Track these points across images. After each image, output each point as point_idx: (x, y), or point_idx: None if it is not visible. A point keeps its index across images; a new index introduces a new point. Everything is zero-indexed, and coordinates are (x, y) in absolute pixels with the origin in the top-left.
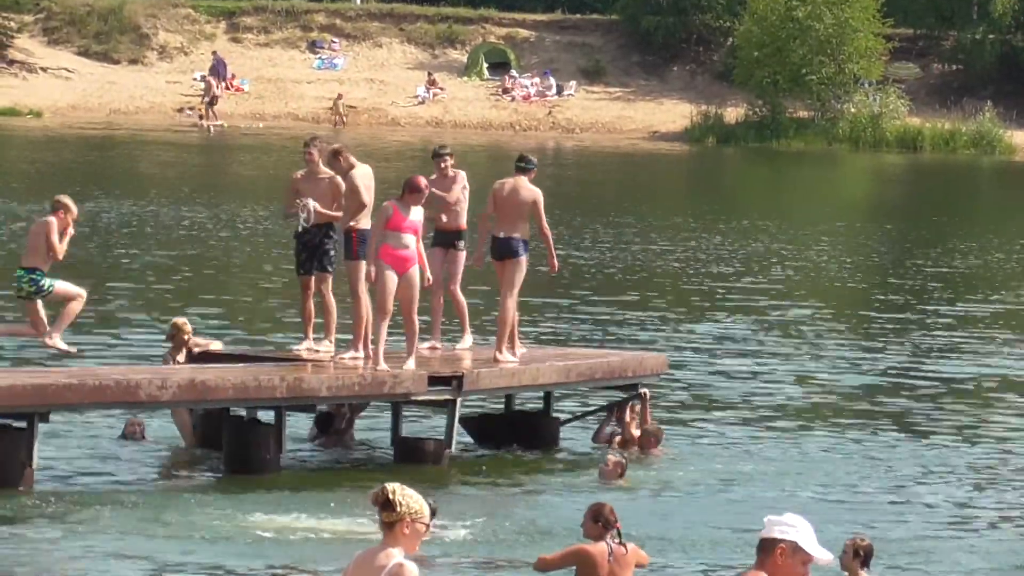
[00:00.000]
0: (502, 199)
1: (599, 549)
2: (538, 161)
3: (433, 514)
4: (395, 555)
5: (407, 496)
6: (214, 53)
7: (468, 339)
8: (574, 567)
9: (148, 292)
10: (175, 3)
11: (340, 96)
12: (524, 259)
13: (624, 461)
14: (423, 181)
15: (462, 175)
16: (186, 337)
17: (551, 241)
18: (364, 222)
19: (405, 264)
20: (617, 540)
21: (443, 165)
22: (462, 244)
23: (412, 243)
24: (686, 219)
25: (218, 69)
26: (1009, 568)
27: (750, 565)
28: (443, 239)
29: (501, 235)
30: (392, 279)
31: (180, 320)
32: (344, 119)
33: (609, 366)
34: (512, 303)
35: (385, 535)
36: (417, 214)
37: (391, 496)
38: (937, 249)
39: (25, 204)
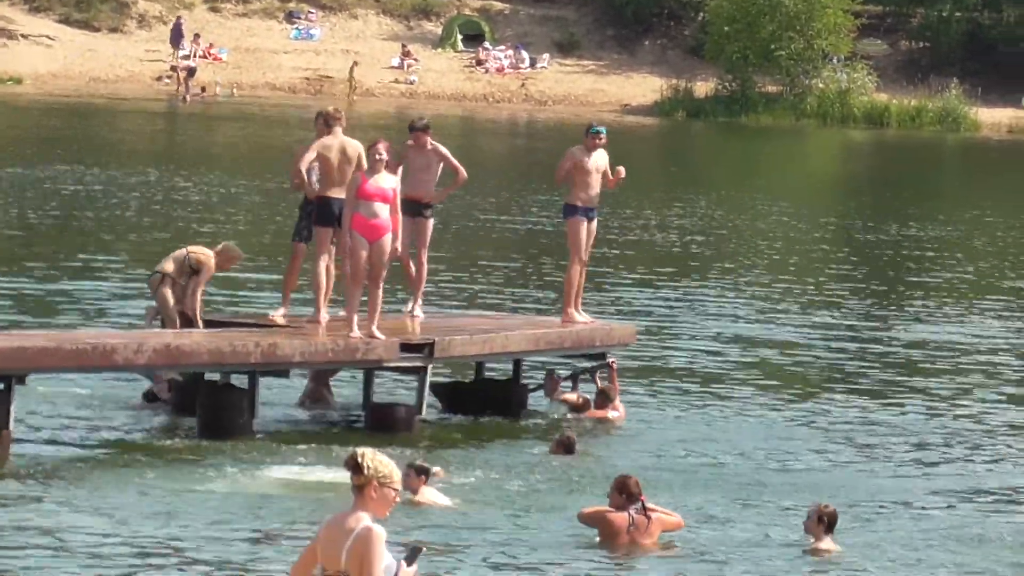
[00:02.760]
0: (585, 167)
1: (620, 518)
2: (510, 132)
3: (417, 552)
4: (364, 518)
5: (376, 460)
6: (177, 18)
7: (418, 308)
8: (596, 528)
9: (127, 257)
10: None
11: (356, 64)
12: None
13: (571, 439)
14: (379, 144)
15: (442, 149)
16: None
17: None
18: (329, 191)
19: (376, 232)
20: (640, 511)
21: (421, 138)
22: (429, 212)
23: (383, 211)
24: (655, 191)
25: (175, 37)
26: (974, 536)
27: None
28: (410, 208)
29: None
30: (363, 246)
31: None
32: (355, 89)
33: (578, 336)
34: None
35: (355, 498)
36: (386, 181)
37: (360, 459)
38: (902, 222)
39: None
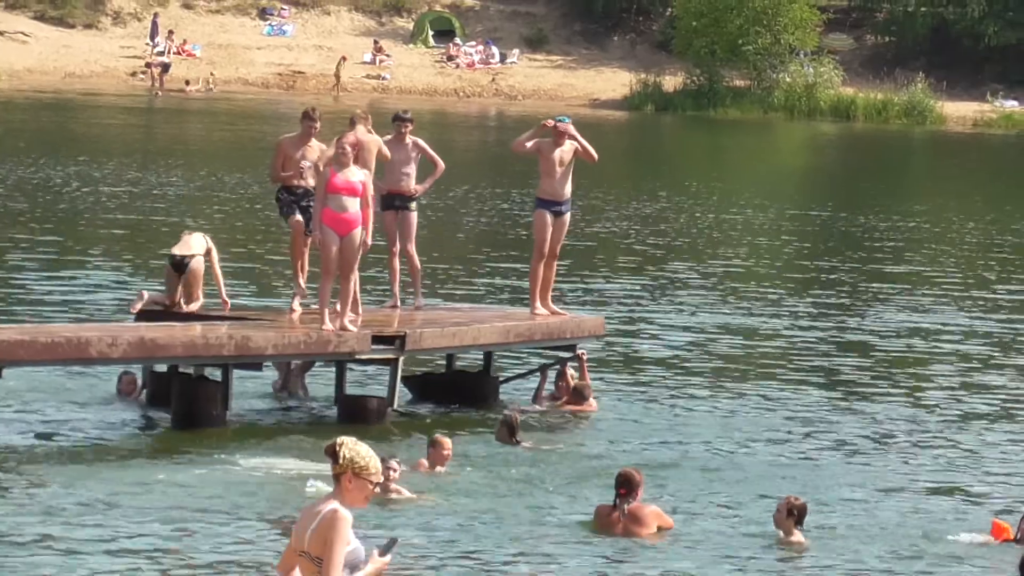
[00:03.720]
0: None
1: (611, 509)
2: (479, 126)
3: (393, 544)
4: (332, 503)
5: (353, 450)
6: (155, 15)
7: (421, 299)
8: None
9: (102, 251)
10: None
11: (344, 59)
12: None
13: (513, 419)
14: (346, 137)
15: (420, 142)
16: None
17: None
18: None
19: (345, 226)
20: (631, 502)
21: (403, 130)
22: (413, 205)
23: (352, 205)
24: (625, 184)
25: (152, 33)
26: (941, 531)
27: None
28: (393, 202)
29: (558, 196)
30: (334, 240)
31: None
32: (339, 84)
33: (548, 327)
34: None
35: (334, 487)
36: (355, 175)
37: (337, 448)
38: (870, 214)
39: None
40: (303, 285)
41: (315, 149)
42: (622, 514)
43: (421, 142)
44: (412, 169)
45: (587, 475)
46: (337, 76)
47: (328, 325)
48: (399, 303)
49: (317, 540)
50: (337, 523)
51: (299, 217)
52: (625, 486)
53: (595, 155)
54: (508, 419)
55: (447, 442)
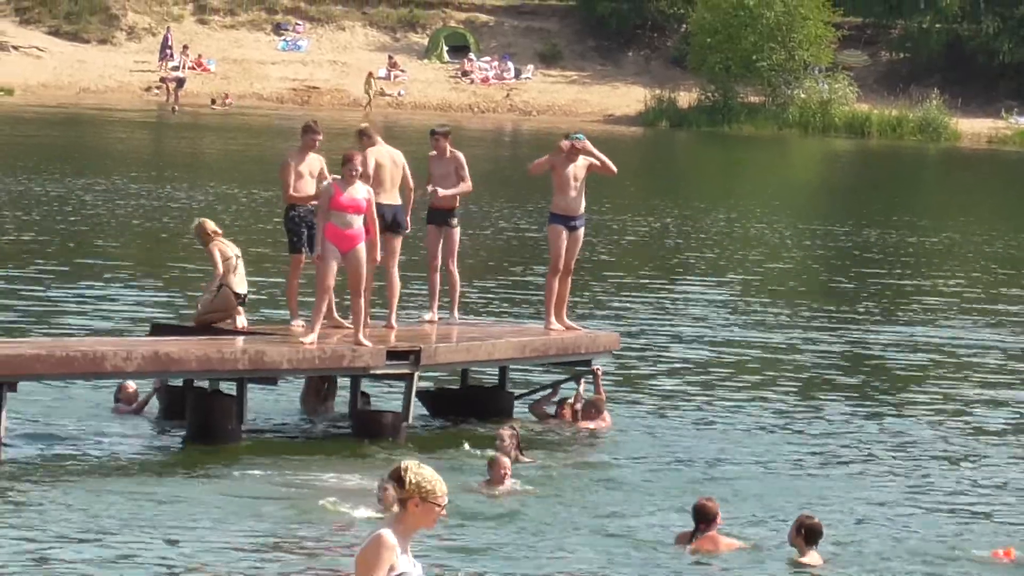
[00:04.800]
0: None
1: (688, 537)
2: (494, 142)
3: None
4: (382, 529)
5: (419, 475)
6: (167, 29)
7: (456, 315)
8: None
9: (118, 265)
10: None
11: (371, 74)
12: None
13: (517, 432)
14: (354, 154)
15: (460, 157)
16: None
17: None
18: (378, 198)
19: (349, 243)
20: (708, 532)
21: (438, 144)
22: (455, 221)
23: (356, 222)
24: (639, 200)
25: (163, 48)
26: (961, 547)
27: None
28: (436, 217)
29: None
30: (335, 256)
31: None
32: (371, 98)
33: (563, 343)
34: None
35: (399, 511)
36: (359, 192)
37: (403, 473)
38: (884, 229)
39: None
40: (295, 308)
41: (316, 162)
42: (695, 543)
43: (461, 158)
44: (452, 183)
45: (599, 488)
46: (368, 93)
47: (314, 339)
48: (436, 319)
49: (360, 563)
50: (379, 549)
51: (303, 256)
52: (703, 520)
53: (614, 168)
54: (512, 433)
55: (505, 460)
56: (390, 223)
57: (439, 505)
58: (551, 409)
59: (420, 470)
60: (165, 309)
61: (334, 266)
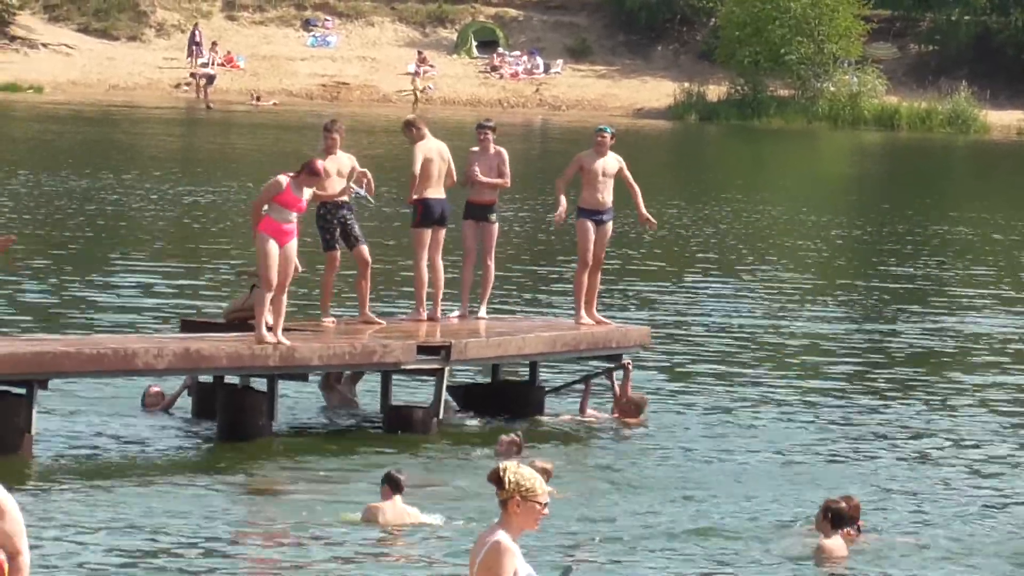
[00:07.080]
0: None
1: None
2: (525, 137)
3: (568, 572)
4: (499, 534)
5: (518, 474)
6: (195, 25)
7: (484, 310)
8: None
9: (148, 262)
10: None
11: (417, 72)
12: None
13: (518, 439)
14: (320, 166)
15: (503, 153)
16: None
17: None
18: (426, 193)
19: (285, 237)
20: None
21: (483, 137)
22: (494, 216)
23: (295, 219)
24: (669, 193)
25: (191, 44)
26: (979, 537)
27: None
28: (475, 212)
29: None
30: (275, 249)
31: None
32: (418, 94)
33: (593, 337)
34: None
35: (501, 512)
36: (305, 193)
37: (502, 474)
38: (914, 222)
39: (18, 176)
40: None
41: (346, 160)
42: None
43: (504, 153)
44: (495, 178)
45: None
46: (414, 90)
47: (266, 335)
48: (467, 313)
49: (483, 571)
50: (501, 556)
51: (337, 252)
52: (843, 522)
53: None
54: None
55: (550, 466)
56: (438, 217)
57: (540, 503)
58: (591, 406)
59: (519, 469)
60: (199, 303)
61: (276, 258)
